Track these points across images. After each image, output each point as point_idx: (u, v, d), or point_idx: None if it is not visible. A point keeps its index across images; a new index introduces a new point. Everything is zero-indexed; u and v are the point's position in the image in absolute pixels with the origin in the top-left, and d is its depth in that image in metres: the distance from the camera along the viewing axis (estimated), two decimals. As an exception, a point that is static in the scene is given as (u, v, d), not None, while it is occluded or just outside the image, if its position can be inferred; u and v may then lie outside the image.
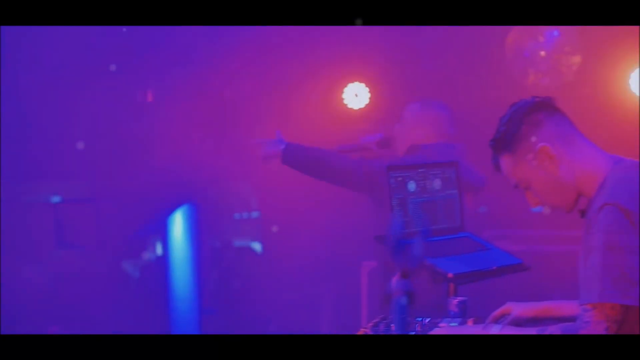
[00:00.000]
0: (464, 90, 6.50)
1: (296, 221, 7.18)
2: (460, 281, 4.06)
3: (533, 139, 3.18)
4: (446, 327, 3.49)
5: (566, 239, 6.05)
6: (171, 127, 7.13)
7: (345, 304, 6.86)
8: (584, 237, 3.04)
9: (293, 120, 6.46)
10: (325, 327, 7.21)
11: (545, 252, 6.22)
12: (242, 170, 7.41)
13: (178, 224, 7.90)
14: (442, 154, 5.10)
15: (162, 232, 7.89)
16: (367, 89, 6.99)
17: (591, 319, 2.92)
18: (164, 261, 7.87)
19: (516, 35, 6.71)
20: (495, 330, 3.34)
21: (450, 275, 3.99)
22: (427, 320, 3.60)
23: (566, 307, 3.41)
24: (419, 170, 4.31)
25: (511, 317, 3.48)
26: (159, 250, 7.97)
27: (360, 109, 7.00)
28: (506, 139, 3.23)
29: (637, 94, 6.55)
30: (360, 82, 7.00)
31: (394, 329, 2.92)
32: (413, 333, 3.45)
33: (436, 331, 3.43)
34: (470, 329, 3.48)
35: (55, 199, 7.61)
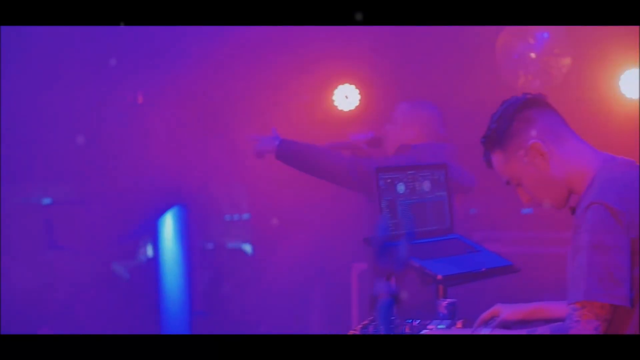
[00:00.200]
0: (454, 91, 6.50)
1: (287, 223, 7.18)
2: (450, 283, 4.06)
3: (524, 135, 3.19)
4: (434, 330, 3.49)
5: (556, 241, 6.06)
6: (161, 129, 7.13)
7: (336, 305, 6.86)
8: (572, 236, 3.04)
9: (283, 123, 6.44)
10: (316, 328, 7.20)
11: (535, 254, 6.22)
12: (233, 172, 7.41)
13: (169, 226, 7.89)
14: (432, 153, 5.11)
15: (153, 234, 7.88)
16: (358, 91, 6.99)
17: (581, 318, 2.92)
18: (154, 263, 7.86)
19: (506, 37, 6.71)
20: (484, 333, 3.34)
21: (439, 277, 3.99)
22: (417, 322, 3.60)
23: (555, 308, 3.42)
24: (409, 172, 4.31)
25: (500, 319, 3.49)
26: (149, 252, 7.96)
27: (350, 110, 7.00)
28: (497, 135, 3.23)
29: (627, 96, 6.56)
30: (351, 83, 6.99)
31: (380, 331, 2.92)
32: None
33: (425, 333, 3.43)
34: (459, 332, 3.48)
35: (46, 200, 7.60)
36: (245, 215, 8.23)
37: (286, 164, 5.25)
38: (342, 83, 6.98)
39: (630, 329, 2.97)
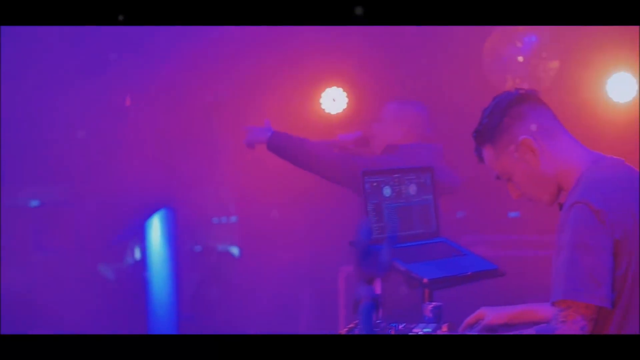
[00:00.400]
0: (441, 92, 6.51)
1: (274, 226, 7.18)
2: (435, 286, 4.06)
3: (515, 131, 3.18)
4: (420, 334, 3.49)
5: (541, 244, 6.06)
6: (149, 131, 7.12)
7: (323, 308, 6.86)
8: (556, 235, 3.04)
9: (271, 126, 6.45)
10: (303, 331, 7.20)
11: (520, 257, 6.23)
12: (221, 175, 7.41)
13: (156, 229, 7.88)
14: (419, 154, 5.11)
15: (140, 237, 7.86)
16: (345, 94, 6.98)
17: (567, 319, 2.91)
18: (142, 265, 7.84)
19: (494, 41, 6.72)
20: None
21: (425, 280, 3.99)
22: (402, 325, 3.60)
23: (540, 310, 3.41)
24: (394, 175, 4.31)
25: (484, 322, 3.49)
26: (137, 254, 7.95)
27: (338, 113, 6.99)
28: (488, 130, 3.23)
29: (614, 99, 6.58)
30: (338, 86, 6.99)
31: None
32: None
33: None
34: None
35: (34, 203, 7.58)
36: (233, 218, 8.22)
37: (277, 156, 5.25)
38: (330, 86, 6.97)
39: (611, 329, 2.97)
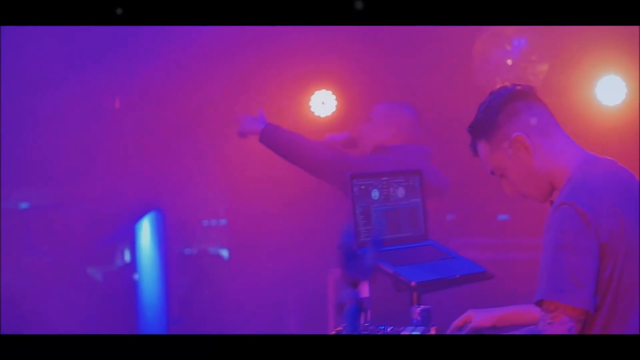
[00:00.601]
0: (431, 95, 6.52)
1: (264, 228, 7.18)
2: (424, 289, 4.04)
3: (509, 127, 3.17)
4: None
5: (529, 247, 6.07)
6: (139, 134, 7.11)
7: (312, 310, 6.86)
8: (543, 235, 3.04)
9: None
10: (292, 332, 7.20)
11: (508, 260, 6.24)
12: (211, 177, 7.40)
13: (146, 231, 7.88)
14: (408, 155, 5.11)
15: (130, 239, 7.86)
16: (334, 97, 6.98)
17: (554, 320, 2.91)
18: (131, 268, 7.84)
19: (483, 44, 6.73)
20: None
21: (413, 283, 3.97)
22: (390, 328, 3.60)
23: (528, 312, 3.41)
24: (383, 178, 4.30)
25: (472, 325, 3.49)
26: (127, 257, 7.95)
27: (327, 116, 6.99)
28: (483, 126, 3.23)
29: (603, 102, 6.60)
30: (327, 89, 6.98)
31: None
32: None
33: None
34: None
35: (24, 205, 7.57)
36: (223, 221, 8.22)
37: (268, 148, 5.21)
38: (319, 89, 6.97)
39: (595, 330, 2.97)
